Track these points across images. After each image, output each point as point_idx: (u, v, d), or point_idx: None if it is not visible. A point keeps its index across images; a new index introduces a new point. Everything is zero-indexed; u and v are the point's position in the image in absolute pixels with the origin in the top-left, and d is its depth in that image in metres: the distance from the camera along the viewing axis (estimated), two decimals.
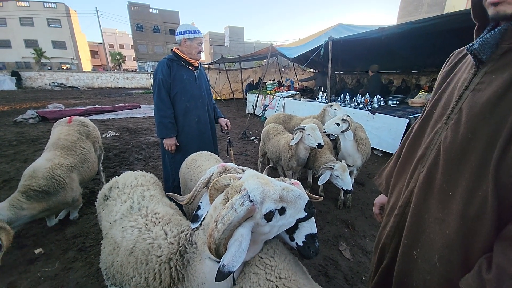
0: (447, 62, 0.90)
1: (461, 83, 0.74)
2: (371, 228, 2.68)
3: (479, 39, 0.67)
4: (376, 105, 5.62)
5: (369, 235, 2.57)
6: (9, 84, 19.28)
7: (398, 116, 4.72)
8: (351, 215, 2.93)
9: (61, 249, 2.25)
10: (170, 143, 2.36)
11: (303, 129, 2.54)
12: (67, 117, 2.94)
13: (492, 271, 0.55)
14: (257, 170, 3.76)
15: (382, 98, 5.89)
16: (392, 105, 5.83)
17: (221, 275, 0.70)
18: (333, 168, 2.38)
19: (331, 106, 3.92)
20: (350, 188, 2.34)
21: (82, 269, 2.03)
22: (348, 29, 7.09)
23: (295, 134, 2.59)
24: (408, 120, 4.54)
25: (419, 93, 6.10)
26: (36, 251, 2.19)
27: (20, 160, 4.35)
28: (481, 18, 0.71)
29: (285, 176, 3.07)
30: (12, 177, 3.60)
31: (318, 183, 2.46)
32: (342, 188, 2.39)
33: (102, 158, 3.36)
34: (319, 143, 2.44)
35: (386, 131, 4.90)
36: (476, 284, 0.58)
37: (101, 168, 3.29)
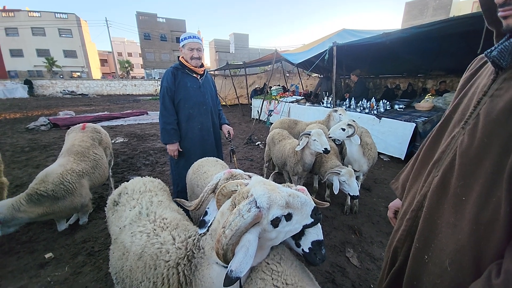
0: (469, 68, 0.91)
1: (480, 89, 0.75)
2: (378, 235, 2.64)
3: (498, 46, 0.68)
4: (382, 110, 5.58)
5: (377, 241, 2.53)
6: (21, 92, 19.95)
7: (404, 120, 4.68)
8: (358, 221, 2.89)
9: (71, 253, 2.29)
10: (172, 148, 2.42)
11: (309, 134, 2.54)
12: (80, 124, 3.04)
13: (501, 277, 0.55)
14: (262, 175, 3.76)
15: (388, 102, 5.85)
16: (398, 109, 5.79)
17: (229, 281, 0.71)
18: (339, 174, 2.37)
19: (336, 111, 3.91)
20: (357, 194, 2.32)
21: (91, 273, 2.06)
22: (352, 34, 7.12)
23: (301, 140, 2.59)
24: (415, 124, 4.49)
25: (426, 97, 6.04)
26: (47, 256, 2.23)
27: (32, 166, 4.48)
28: (496, 26, 0.72)
29: (290, 181, 3.08)
30: (24, 182, 3.70)
31: (334, 192, 2.43)
32: (348, 194, 2.37)
33: (112, 164, 3.43)
34: (325, 149, 2.43)
35: (392, 135, 4.85)
36: None
37: (110, 173, 3.36)
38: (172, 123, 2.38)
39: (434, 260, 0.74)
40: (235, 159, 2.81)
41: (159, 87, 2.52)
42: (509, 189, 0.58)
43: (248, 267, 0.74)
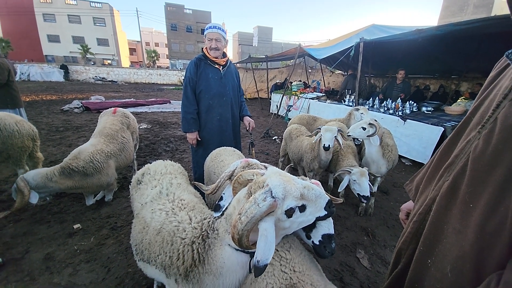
0: (495, 66, 0.85)
1: (501, 91, 0.71)
2: (392, 239, 2.57)
3: None
4: (407, 111, 5.31)
5: (390, 245, 2.47)
6: (57, 75, 21.40)
7: (432, 124, 4.42)
8: (372, 223, 2.83)
9: (96, 226, 2.49)
10: (191, 137, 2.52)
11: (320, 129, 2.61)
12: (112, 108, 3.26)
13: (499, 287, 0.54)
14: None
15: (415, 103, 5.55)
16: (426, 111, 5.47)
17: (258, 270, 0.75)
18: (350, 172, 2.34)
19: (357, 109, 3.80)
20: (367, 194, 2.26)
21: (113, 246, 2.23)
22: (382, 30, 6.78)
23: (316, 134, 2.66)
24: (443, 129, 4.24)
25: (459, 100, 5.65)
26: (75, 226, 2.45)
27: (65, 145, 4.86)
28: None
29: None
30: (58, 159, 4.04)
31: (338, 190, 2.42)
32: (358, 194, 2.32)
33: (137, 148, 3.64)
34: (323, 145, 2.52)
35: (417, 139, 4.62)
36: None
37: (134, 156, 3.57)
38: (192, 112, 2.46)
39: (436, 264, 0.73)
40: (253, 152, 2.85)
41: (183, 77, 2.60)
42: None
43: (272, 253, 0.77)
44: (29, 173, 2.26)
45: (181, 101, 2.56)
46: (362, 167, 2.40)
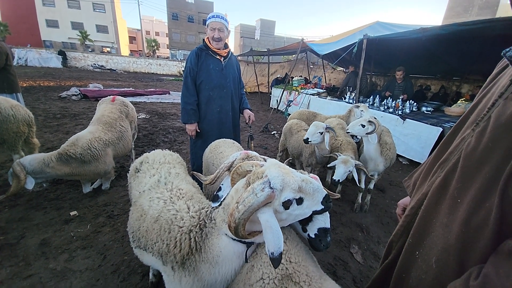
0: (497, 65, 0.87)
1: (498, 90, 0.72)
2: (386, 236, 2.61)
3: None
4: (407, 110, 5.32)
5: (384, 242, 2.51)
6: (55, 61, 21.04)
7: (431, 124, 4.44)
8: (367, 219, 2.87)
9: (93, 214, 2.50)
10: (191, 128, 2.50)
11: (332, 128, 2.65)
12: (111, 96, 3.22)
13: (479, 280, 0.56)
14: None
15: (415, 103, 5.56)
16: (426, 111, 5.48)
17: (276, 261, 0.76)
18: (336, 157, 2.43)
19: (358, 107, 3.80)
20: (336, 178, 2.38)
21: (109, 233, 2.24)
22: (386, 28, 6.72)
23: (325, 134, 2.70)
24: (442, 129, 4.26)
25: (459, 102, 5.66)
26: (71, 213, 2.45)
27: (63, 132, 4.82)
28: None
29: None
30: (55, 146, 4.01)
31: (333, 178, 2.46)
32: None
33: (135, 137, 3.62)
34: (304, 138, 2.56)
35: (415, 138, 4.65)
36: None
37: (132, 146, 3.55)
38: (192, 103, 2.44)
39: (423, 256, 0.76)
40: (252, 145, 2.85)
41: (183, 68, 2.56)
42: (502, 197, 0.58)
43: (281, 240, 0.78)
44: (25, 158, 2.24)
45: (180, 92, 2.53)
46: (360, 164, 2.42)
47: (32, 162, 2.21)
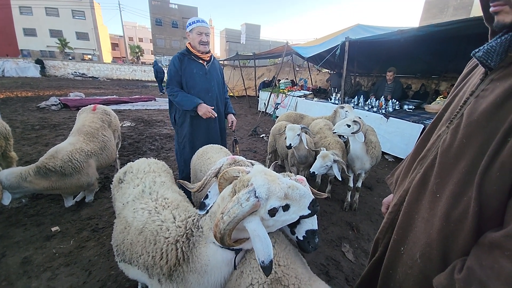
0: (468, 65, 0.91)
1: (469, 88, 0.75)
2: (376, 233, 2.64)
3: (486, 45, 0.67)
4: (390, 109, 5.49)
5: (374, 239, 2.55)
6: (33, 71, 20.19)
7: (413, 121, 4.60)
8: (356, 218, 2.91)
9: (76, 228, 2.39)
10: (204, 110, 2.26)
11: (307, 128, 2.76)
12: (91, 105, 3.11)
13: (463, 273, 0.58)
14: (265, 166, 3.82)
15: (397, 102, 5.75)
16: (407, 109, 5.68)
17: (267, 269, 0.75)
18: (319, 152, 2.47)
19: (342, 107, 3.88)
20: (312, 171, 2.39)
21: (94, 248, 2.15)
22: (366, 30, 6.94)
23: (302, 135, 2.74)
24: (423, 126, 4.42)
25: (437, 99, 5.90)
26: (53, 229, 2.33)
27: (42, 144, 4.61)
28: (491, 22, 0.70)
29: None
30: (34, 158, 3.82)
31: (309, 170, 2.49)
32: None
33: (119, 146, 3.51)
34: (286, 144, 2.58)
35: (399, 136, 4.79)
36: (446, 282, 0.61)
37: (117, 155, 3.44)
38: (185, 93, 2.34)
39: (408, 252, 0.78)
40: (237, 149, 2.83)
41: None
42: (479, 190, 0.60)
43: (270, 248, 0.77)
44: (2, 172, 2.12)
45: (167, 99, 2.47)
46: (340, 160, 2.48)
47: (9, 177, 2.09)
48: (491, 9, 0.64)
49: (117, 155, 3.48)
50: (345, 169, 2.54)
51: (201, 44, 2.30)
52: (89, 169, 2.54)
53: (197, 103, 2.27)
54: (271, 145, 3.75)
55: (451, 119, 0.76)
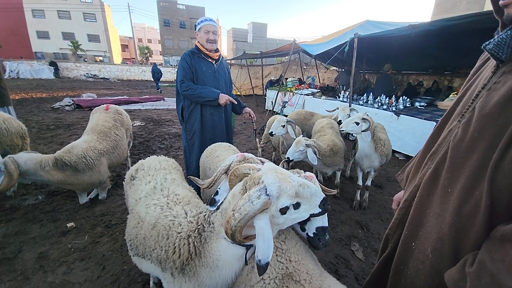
0: (480, 58, 0.89)
1: (481, 82, 0.74)
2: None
3: (496, 38, 0.65)
4: (401, 107, 5.38)
5: (384, 235, 2.52)
6: (47, 73, 20.85)
7: (424, 119, 4.49)
8: (366, 216, 2.87)
9: (90, 224, 2.46)
10: (226, 98, 2.37)
11: (292, 122, 3.07)
12: (104, 105, 3.19)
13: (474, 266, 0.57)
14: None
15: (408, 99, 5.62)
16: (419, 107, 5.54)
17: (261, 269, 0.76)
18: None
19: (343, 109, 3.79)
20: (287, 156, 2.51)
21: (108, 243, 2.21)
22: (376, 26, 6.80)
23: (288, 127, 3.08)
24: (435, 123, 4.30)
25: (450, 95, 5.74)
26: (68, 225, 2.41)
27: (57, 143, 4.77)
28: (501, 15, 0.69)
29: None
30: None
31: (286, 156, 2.55)
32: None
33: (131, 145, 3.59)
34: (269, 132, 3.08)
35: (410, 134, 4.69)
36: (458, 276, 0.61)
37: (128, 154, 3.52)
38: (199, 85, 2.37)
39: (419, 247, 0.77)
40: (258, 140, 2.97)
41: (177, 71, 2.52)
42: (491, 184, 0.59)
43: (271, 250, 0.78)
44: (21, 156, 2.10)
45: (175, 98, 2.50)
46: (312, 144, 2.48)
47: (28, 162, 2.10)
48: (500, 2, 0.63)
49: (129, 154, 3.56)
50: (317, 152, 2.49)
51: (209, 42, 2.33)
52: (101, 167, 2.61)
53: (218, 92, 2.36)
54: (265, 136, 4.10)
55: (463, 113, 0.75)
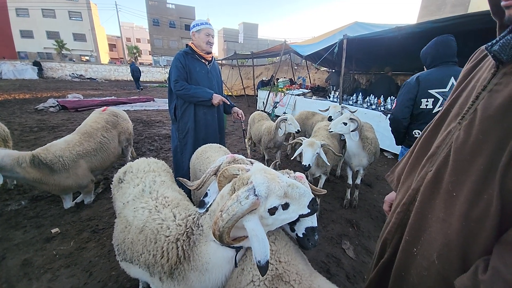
0: (470, 59, 0.88)
1: (480, 83, 0.73)
2: (376, 230, 2.66)
3: (500, 40, 0.65)
4: (389, 106, 5.50)
5: (374, 236, 2.56)
6: (31, 73, 20.11)
7: None
8: (356, 215, 2.92)
9: (76, 230, 2.38)
10: (219, 98, 2.44)
11: (286, 119, 3.18)
12: (103, 107, 3.13)
13: (487, 273, 0.55)
14: (264, 163, 3.86)
15: (396, 99, 5.75)
16: None
17: (263, 269, 0.76)
18: (302, 142, 2.38)
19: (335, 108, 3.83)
20: (306, 163, 2.23)
21: (95, 249, 2.15)
22: (365, 28, 6.94)
23: (281, 124, 3.18)
24: None
25: None
26: (53, 231, 2.33)
27: (41, 146, 4.54)
28: (500, 16, 0.69)
29: (264, 155, 3.72)
30: None
31: (303, 164, 2.35)
32: (300, 162, 2.55)
33: (130, 150, 3.49)
34: (297, 130, 3.14)
35: None
36: (470, 283, 0.59)
37: (129, 158, 3.43)
38: (194, 86, 2.40)
39: (422, 253, 0.75)
40: (246, 140, 3.08)
41: (169, 71, 2.51)
42: (502, 187, 0.58)
43: (268, 248, 0.77)
44: None
45: (166, 99, 2.48)
46: (326, 144, 2.41)
47: (5, 158, 2.06)
48: (502, 3, 0.62)
49: (130, 158, 3.43)
50: (334, 151, 2.43)
51: (208, 45, 2.41)
52: (78, 170, 2.48)
53: (212, 92, 2.41)
54: (248, 131, 4.32)
55: (463, 114, 0.73)
